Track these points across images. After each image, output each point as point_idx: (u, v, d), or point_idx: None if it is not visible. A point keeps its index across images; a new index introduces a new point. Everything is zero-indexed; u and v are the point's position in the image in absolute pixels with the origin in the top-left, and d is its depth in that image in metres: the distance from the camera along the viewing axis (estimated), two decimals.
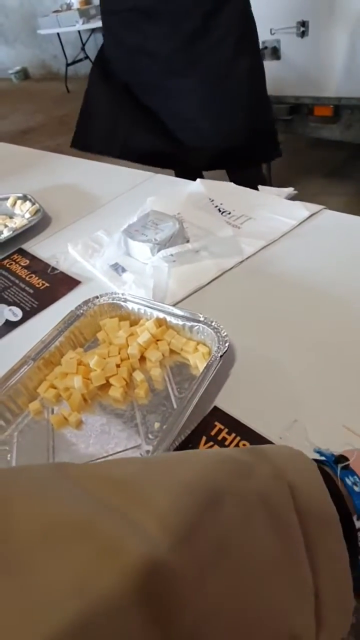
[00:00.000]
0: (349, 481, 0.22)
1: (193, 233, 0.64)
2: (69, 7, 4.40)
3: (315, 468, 0.21)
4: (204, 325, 0.45)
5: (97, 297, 0.51)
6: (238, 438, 0.36)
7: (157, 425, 0.39)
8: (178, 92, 0.99)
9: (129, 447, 0.38)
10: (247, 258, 0.58)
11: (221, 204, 0.70)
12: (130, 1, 0.92)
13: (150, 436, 0.38)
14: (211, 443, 0.37)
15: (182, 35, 0.92)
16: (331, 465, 0.23)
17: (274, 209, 0.65)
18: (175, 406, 0.41)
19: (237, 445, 0.36)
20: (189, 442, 0.37)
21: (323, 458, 0.24)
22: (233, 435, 0.37)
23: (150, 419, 0.40)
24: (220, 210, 0.68)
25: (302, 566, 0.18)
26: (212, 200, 0.71)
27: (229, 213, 0.67)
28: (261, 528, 0.18)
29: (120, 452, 0.38)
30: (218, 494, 0.18)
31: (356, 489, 0.21)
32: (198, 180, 0.76)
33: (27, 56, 5.67)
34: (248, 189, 0.72)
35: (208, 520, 0.17)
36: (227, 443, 0.36)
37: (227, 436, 0.37)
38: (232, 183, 0.74)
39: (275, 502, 0.19)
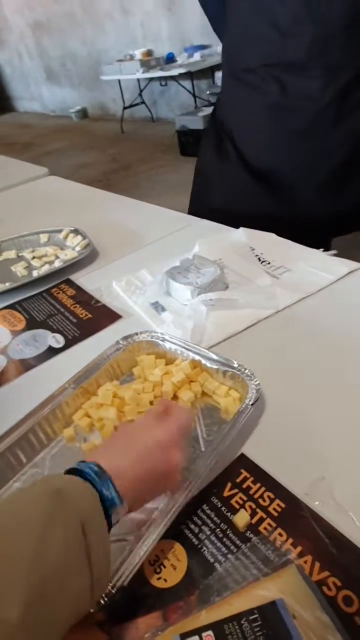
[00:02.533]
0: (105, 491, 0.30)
1: (232, 279, 0.67)
2: (131, 57, 4.76)
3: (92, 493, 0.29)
4: (237, 372, 0.46)
5: (136, 334, 0.53)
6: (263, 489, 0.37)
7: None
8: (314, 152, 0.88)
9: None
10: (283, 309, 0.59)
11: (262, 253, 0.72)
12: (274, 55, 0.84)
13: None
14: (236, 490, 0.37)
15: (334, 90, 0.82)
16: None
17: (313, 263, 0.67)
18: (203, 448, 0.42)
19: (261, 495, 0.36)
20: (214, 487, 0.38)
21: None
22: (258, 485, 0.37)
23: None
24: (260, 260, 0.71)
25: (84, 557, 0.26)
26: (253, 249, 0.73)
27: (269, 263, 0.70)
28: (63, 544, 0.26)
29: None
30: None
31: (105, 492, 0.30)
32: (241, 228, 0.79)
33: (88, 98, 6.12)
34: (289, 241, 0.75)
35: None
36: (251, 492, 0.37)
37: (252, 485, 0.37)
38: (273, 234, 0.77)
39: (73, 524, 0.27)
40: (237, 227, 0.81)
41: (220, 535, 0.34)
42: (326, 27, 0.78)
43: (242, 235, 0.77)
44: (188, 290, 0.62)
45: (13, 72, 7.33)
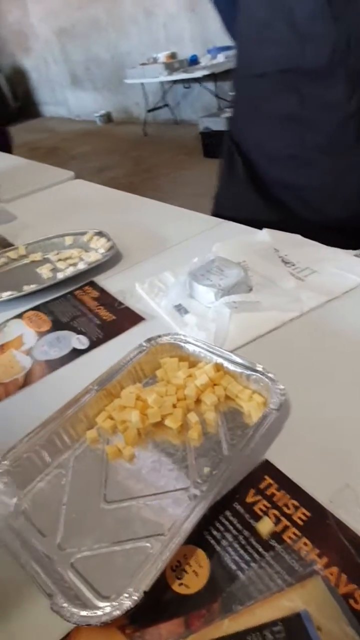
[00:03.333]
0: None
1: (256, 281, 0.66)
2: (155, 60, 4.80)
3: None
4: (261, 376, 0.45)
5: (159, 336, 0.53)
6: (288, 496, 0.36)
7: (206, 470, 0.40)
8: (338, 168, 0.80)
9: (177, 487, 0.39)
10: (308, 311, 0.58)
11: (286, 254, 0.71)
12: (291, 60, 0.75)
13: (199, 480, 0.39)
14: (259, 497, 0.37)
15: (357, 101, 0.73)
16: None
17: (340, 264, 0.66)
18: (225, 453, 0.41)
19: (286, 503, 0.36)
20: (236, 493, 0.37)
21: None
22: (282, 492, 0.36)
23: (200, 462, 0.41)
24: (284, 261, 0.70)
25: None
26: (277, 251, 0.72)
27: (293, 265, 0.69)
28: None
29: (169, 491, 0.39)
30: None
31: None
32: (264, 229, 0.78)
33: (112, 102, 6.20)
34: (315, 242, 0.73)
35: None
36: (275, 499, 0.36)
37: (276, 492, 0.37)
38: (299, 235, 0.76)
39: None
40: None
41: (243, 542, 0.34)
42: (350, 28, 0.69)
43: (266, 236, 0.76)
44: (211, 292, 0.61)
45: (39, 77, 7.50)
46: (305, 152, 0.82)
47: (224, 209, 0.97)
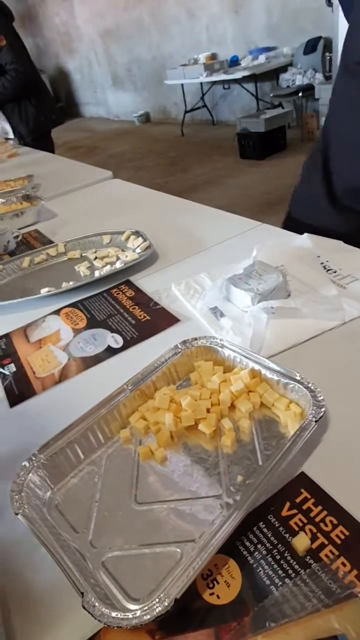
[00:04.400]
0: None
1: (295, 287, 0.64)
2: (195, 61, 4.81)
3: None
4: (299, 385, 0.44)
5: (195, 339, 0.53)
6: (325, 512, 0.35)
7: (239, 478, 0.39)
8: None
9: (209, 494, 0.38)
10: (349, 321, 0.56)
11: (327, 261, 0.69)
12: None
13: (232, 488, 0.38)
14: (295, 511, 0.35)
15: None
16: None
17: None
18: (260, 462, 0.40)
19: (323, 520, 0.34)
20: (271, 505, 0.36)
21: None
22: (320, 508, 0.35)
23: (233, 470, 0.40)
24: (325, 268, 0.68)
25: None
26: (319, 257, 0.70)
27: (335, 272, 0.67)
28: None
29: (201, 497, 0.38)
30: None
31: None
32: (305, 234, 0.76)
33: (151, 102, 6.26)
34: (358, 249, 0.71)
35: None
36: (312, 515, 0.35)
37: (312, 507, 0.35)
38: (341, 241, 0.74)
39: None
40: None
41: (278, 557, 0.33)
42: None
43: (307, 241, 0.74)
44: (248, 296, 0.60)
45: (82, 78, 7.67)
46: None
47: (297, 212, 0.93)
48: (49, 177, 1.52)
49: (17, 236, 1.04)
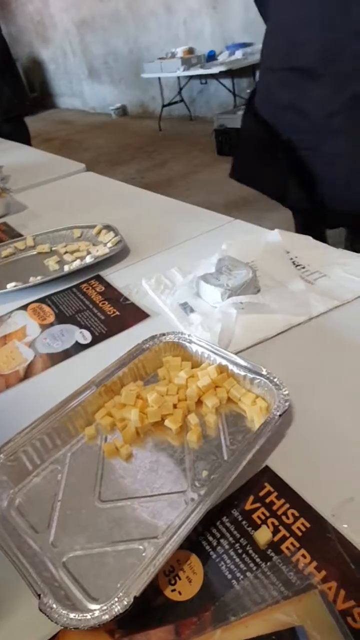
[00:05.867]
0: None
1: (264, 283, 0.65)
2: (173, 55, 4.77)
3: None
4: (265, 380, 0.44)
5: (163, 335, 0.52)
6: (287, 505, 0.35)
7: (205, 473, 0.39)
8: (330, 155, 0.92)
9: (174, 490, 0.38)
10: (316, 316, 0.57)
11: (296, 257, 0.70)
12: (290, 61, 0.89)
13: (197, 484, 0.38)
14: (258, 504, 0.36)
15: (343, 99, 0.84)
16: None
17: (351, 269, 0.64)
18: (225, 457, 0.40)
19: (285, 512, 0.35)
20: (235, 499, 0.36)
21: None
22: (282, 500, 0.35)
23: (199, 465, 0.40)
24: (294, 263, 0.68)
25: None
26: (288, 252, 0.71)
27: (304, 267, 0.67)
28: None
29: (165, 494, 0.38)
30: None
31: None
32: (276, 230, 0.77)
33: (128, 96, 6.18)
34: (327, 245, 0.72)
35: None
36: (275, 508, 0.35)
37: (275, 500, 0.36)
38: (310, 237, 0.75)
39: None
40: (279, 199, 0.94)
41: (240, 550, 0.33)
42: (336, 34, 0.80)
43: (277, 236, 0.75)
44: (218, 292, 0.60)
45: (57, 69, 7.50)
46: (300, 138, 0.96)
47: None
48: (20, 169, 1.47)
49: None
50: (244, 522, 0.35)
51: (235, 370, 0.47)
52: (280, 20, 0.91)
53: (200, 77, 4.74)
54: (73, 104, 7.54)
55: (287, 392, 0.42)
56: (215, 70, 4.12)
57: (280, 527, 0.34)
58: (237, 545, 0.33)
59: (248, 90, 4.23)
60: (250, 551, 0.33)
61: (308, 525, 0.34)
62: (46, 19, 6.96)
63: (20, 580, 0.31)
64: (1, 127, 2.40)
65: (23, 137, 2.36)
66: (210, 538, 0.34)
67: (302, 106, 0.91)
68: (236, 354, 0.49)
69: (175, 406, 0.45)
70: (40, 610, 0.28)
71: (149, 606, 0.31)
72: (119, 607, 0.28)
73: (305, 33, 0.84)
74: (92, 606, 0.30)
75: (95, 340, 0.59)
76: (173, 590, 0.31)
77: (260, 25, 1.02)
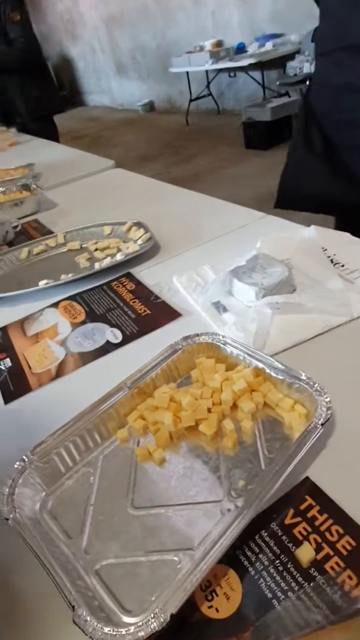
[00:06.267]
0: None
1: (300, 281, 0.62)
2: (201, 49, 4.71)
3: None
4: (304, 385, 0.42)
5: (197, 335, 0.51)
6: (331, 521, 0.33)
7: (241, 483, 0.37)
8: None
9: (209, 499, 0.37)
10: (357, 317, 0.54)
11: (334, 254, 0.67)
12: (342, 40, 0.88)
13: (233, 494, 0.37)
14: (299, 519, 0.34)
15: None
16: None
17: None
18: (262, 466, 0.39)
19: (328, 529, 0.32)
20: (273, 512, 0.35)
21: None
22: (325, 516, 0.33)
23: (235, 473, 0.38)
24: (332, 261, 0.65)
25: None
26: (325, 250, 0.68)
27: (342, 265, 0.64)
28: None
29: (200, 502, 0.36)
30: None
31: None
32: (312, 226, 0.74)
33: (156, 91, 6.16)
34: None
35: None
36: (317, 523, 0.33)
37: (318, 515, 0.34)
38: (348, 233, 0.71)
39: None
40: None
41: (280, 568, 0.31)
42: None
43: (314, 233, 0.72)
44: (252, 291, 0.58)
45: (86, 66, 7.56)
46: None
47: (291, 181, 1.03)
48: (50, 166, 1.49)
49: (16, 226, 1.02)
50: (284, 537, 0.33)
51: (272, 373, 0.45)
52: (330, 2, 0.89)
53: (228, 70, 4.66)
54: (101, 101, 7.59)
55: (329, 398, 0.40)
56: (244, 62, 4.05)
57: (324, 545, 0.32)
58: (277, 562, 0.31)
59: (278, 83, 4.14)
60: (292, 569, 0.31)
61: (354, 543, 0.31)
62: (75, 17, 7.02)
63: (51, 589, 0.30)
64: (30, 126, 2.44)
65: (51, 135, 2.39)
66: (249, 552, 0.32)
67: (358, 84, 0.88)
68: (272, 356, 0.47)
69: (209, 410, 0.43)
70: (75, 622, 0.28)
71: (185, 622, 0.30)
72: (155, 624, 0.27)
73: (355, 11, 0.83)
74: (127, 619, 0.29)
75: (126, 340, 0.58)
76: (210, 607, 0.30)
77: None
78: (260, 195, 2.71)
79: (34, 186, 1.19)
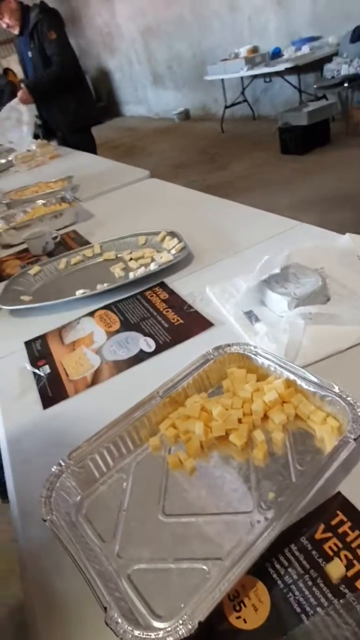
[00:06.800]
0: None
1: (335, 291, 0.61)
2: (236, 55, 4.72)
3: None
4: (337, 398, 0.42)
5: (228, 345, 0.51)
6: None
7: (271, 495, 0.37)
8: None
9: (239, 510, 0.37)
10: None
11: None
12: None
13: (263, 505, 0.37)
14: (330, 534, 0.33)
15: None
16: None
17: None
18: (293, 479, 0.38)
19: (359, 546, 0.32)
20: (303, 526, 0.34)
21: None
22: (357, 532, 0.33)
23: (264, 485, 0.39)
24: None
25: None
26: None
27: None
28: None
29: (230, 513, 0.37)
30: None
31: None
32: (347, 234, 0.73)
33: (191, 99, 6.22)
34: None
35: None
36: (348, 540, 0.33)
37: (349, 532, 0.33)
38: None
39: None
40: None
41: (310, 583, 0.31)
42: None
43: (349, 241, 0.70)
44: (285, 301, 0.58)
45: (122, 77, 7.75)
46: None
47: None
48: (87, 177, 1.54)
49: (56, 237, 1.06)
50: (314, 552, 0.33)
51: (304, 385, 0.45)
52: None
53: (264, 75, 4.64)
54: (138, 111, 7.75)
55: None
56: (280, 67, 4.01)
57: (355, 562, 0.31)
58: (306, 576, 0.31)
59: (315, 86, 4.08)
60: (322, 585, 0.31)
61: None
62: (113, 30, 7.22)
63: (85, 588, 0.32)
64: (70, 138, 2.52)
65: (89, 147, 2.46)
66: (278, 566, 0.32)
67: None
68: (304, 367, 0.47)
69: (240, 421, 0.44)
70: (106, 623, 0.29)
71: (213, 630, 0.30)
72: (183, 631, 0.28)
73: None
74: (156, 624, 0.30)
75: (159, 349, 0.60)
76: (238, 618, 0.30)
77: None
78: (295, 201, 2.67)
79: (73, 198, 1.24)
